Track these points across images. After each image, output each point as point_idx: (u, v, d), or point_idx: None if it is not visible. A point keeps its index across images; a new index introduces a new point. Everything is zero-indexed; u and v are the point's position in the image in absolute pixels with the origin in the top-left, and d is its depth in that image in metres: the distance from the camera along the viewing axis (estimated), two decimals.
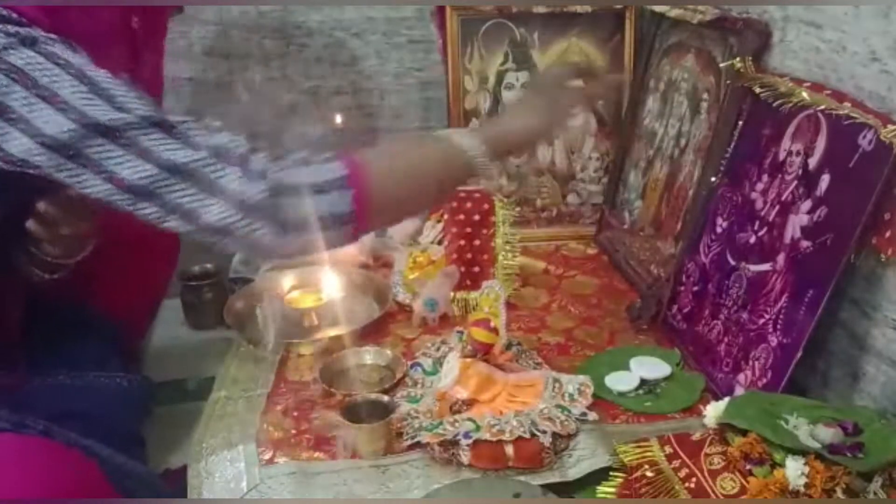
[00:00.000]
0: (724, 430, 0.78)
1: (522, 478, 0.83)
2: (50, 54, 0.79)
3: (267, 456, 0.89)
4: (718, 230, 1.04)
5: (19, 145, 0.77)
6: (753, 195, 0.98)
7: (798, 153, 0.91)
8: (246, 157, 0.81)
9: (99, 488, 0.82)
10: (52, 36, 0.82)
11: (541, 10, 1.39)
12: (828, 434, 0.73)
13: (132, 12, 1.01)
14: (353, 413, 0.89)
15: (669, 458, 0.80)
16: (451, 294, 1.20)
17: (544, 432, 0.85)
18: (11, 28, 0.80)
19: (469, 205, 1.31)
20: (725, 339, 0.98)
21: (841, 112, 0.85)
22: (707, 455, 0.78)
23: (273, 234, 0.81)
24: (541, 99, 1.02)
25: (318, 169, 0.85)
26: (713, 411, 0.81)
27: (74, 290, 1.13)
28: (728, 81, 1.07)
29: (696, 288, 1.06)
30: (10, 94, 0.77)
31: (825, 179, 0.86)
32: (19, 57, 0.78)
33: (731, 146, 1.05)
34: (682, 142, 1.21)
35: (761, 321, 0.91)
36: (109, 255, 1.22)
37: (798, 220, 0.89)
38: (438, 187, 0.93)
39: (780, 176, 0.94)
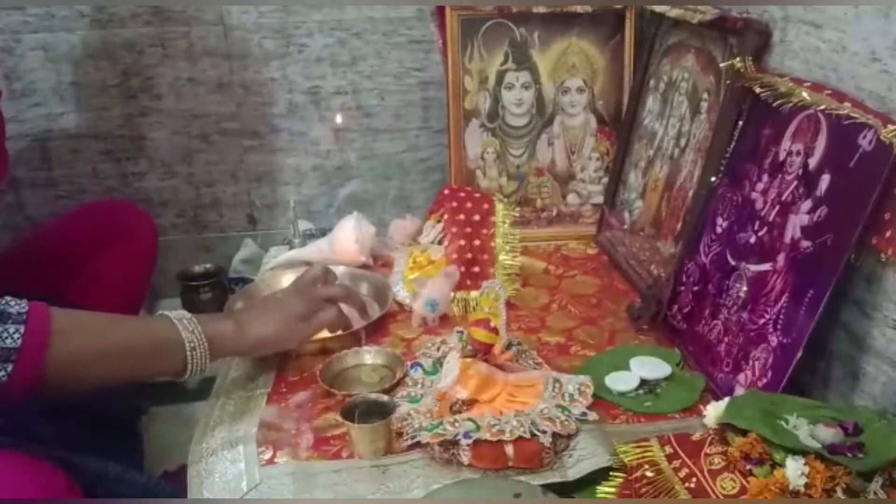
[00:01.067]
0: (725, 430, 0.78)
1: (522, 478, 0.83)
2: None
3: (267, 456, 0.89)
4: (718, 230, 1.04)
5: None
6: (753, 195, 0.98)
7: (798, 153, 0.91)
8: None
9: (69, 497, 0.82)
10: None
11: (541, 10, 1.39)
12: (828, 434, 0.73)
13: None
14: (353, 413, 0.89)
15: (669, 458, 0.80)
16: (451, 294, 1.20)
17: (544, 432, 0.85)
18: None
19: (469, 205, 1.31)
20: (725, 339, 0.98)
21: (841, 112, 0.85)
22: (707, 455, 0.78)
23: None
24: (289, 306, 1.00)
25: None
26: (713, 411, 0.81)
27: (54, 287, 1.13)
28: (728, 81, 1.07)
29: (696, 288, 1.06)
30: None
31: (825, 179, 0.86)
32: None
33: (731, 146, 1.05)
34: (682, 142, 1.21)
35: (761, 321, 0.91)
36: (86, 251, 1.23)
37: (798, 220, 0.89)
38: (133, 361, 0.87)
39: (780, 176, 0.94)
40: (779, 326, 0.88)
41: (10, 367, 0.76)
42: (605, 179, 1.46)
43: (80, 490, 0.82)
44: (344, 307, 1.08)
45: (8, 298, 0.79)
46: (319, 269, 1.09)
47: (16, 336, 0.77)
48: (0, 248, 1.24)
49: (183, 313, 0.91)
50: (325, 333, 1.10)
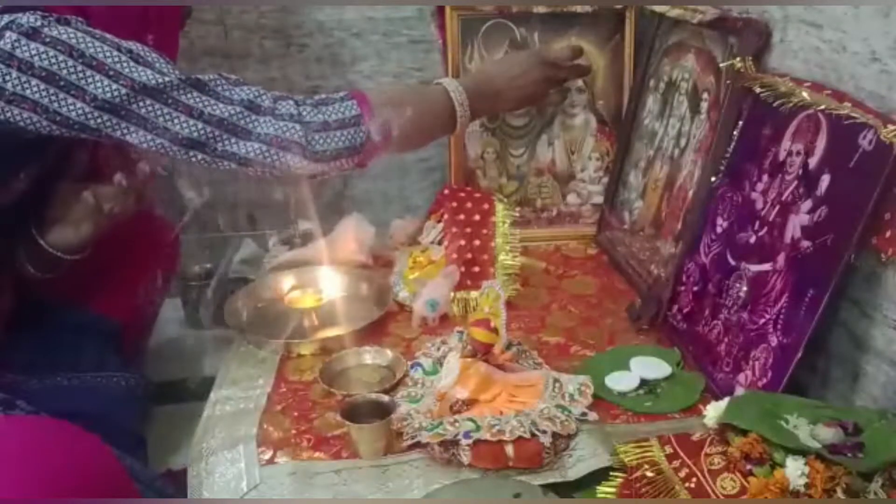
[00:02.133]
0: (725, 430, 0.78)
1: (522, 478, 0.83)
2: (86, 31, 0.89)
3: (267, 456, 0.89)
4: (719, 230, 1.04)
5: (76, 109, 0.88)
6: (754, 195, 0.98)
7: (798, 153, 0.91)
8: (273, 105, 0.98)
9: (117, 476, 0.84)
10: (81, 19, 0.92)
11: (541, 10, 1.39)
12: (828, 434, 0.73)
13: (148, 29, 1.07)
14: (353, 413, 0.89)
15: (669, 458, 0.80)
16: (451, 294, 1.20)
17: (544, 432, 0.85)
18: (42, 13, 0.89)
19: (469, 205, 1.31)
20: (725, 339, 0.98)
21: (841, 112, 0.85)
22: (707, 455, 0.78)
23: (306, 164, 0.99)
24: (532, 65, 1.27)
25: (337, 107, 1.02)
26: (713, 411, 0.81)
27: (74, 290, 1.13)
28: (728, 81, 1.07)
29: (696, 288, 1.06)
30: (60, 64, 0.87)
31: (825, 179, 0.86)
32: (60, 32, 0.87)
33: (732, 146, 1.05)
34: (683, 142, 1.21)
35: (761, 321, 0.91)
36: (109, 255, 1.23)
37: (798, 220, 0.89)
38: (423, 122, 1.14)
39: (780, 176, 0.94)
40: (779, 326, 0.88)
41: (363, 128, 1.02)
42: (605, 179, 1.46)
43: (123, 469, 0.86)
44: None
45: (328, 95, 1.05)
46: (567, 52, 1.34)
47: (354, 107, 1.03)
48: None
49: (454, 85, 1.18)
50: (325, 333, 1.11)
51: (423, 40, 1.57)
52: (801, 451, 0.72)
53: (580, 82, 1.43)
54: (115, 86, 0.88)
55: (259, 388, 1.03)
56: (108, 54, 0.89)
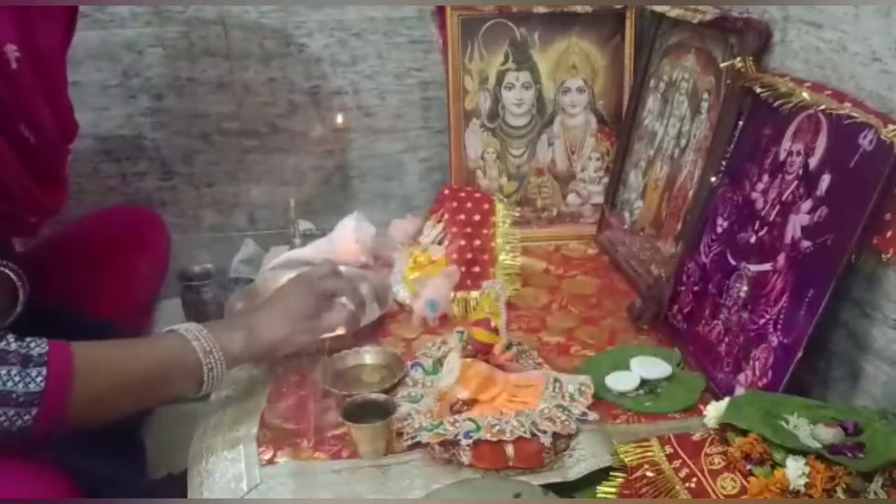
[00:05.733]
0: (725, 430, 0.78)
1: (523, 478, 0.83)
2: None
3: (267, 456, 0.89)
4: (719, 230, 1.04)
5: None
6: (754, 195, 0.98)
7: (798, 153, 0.91)
8: None
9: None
10: None
11: (541, 10, 1.39)
12: (828, 434, 0.73)
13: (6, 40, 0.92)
14: (353, 413, 0.88)
15: (670, 458, 0.80)
16: (452, 294, 1.20)
17: (545, 432, 0.85)
18: None
19: (469, 205, 1.31)
20: (726, 339, 0.98)
21: (841, 112, 0.85)
22: (707, 455, 0.78)
23: None
24: (298, 304, 0.98)
25: (13, 373, 0.76)
26: (714, 411, 0.81)
27: (65, 292, 1.13)
28: (728, 81, 1.07)
29: (696, 288, 1.06)
30: None
31: (826, 179, 0.86)
32: None
33: (732, 146, 1.05)
34: (683, 142, 1.21)
35: (762, 321, 0.91)
36: (101, 256, 1.23)
37: (798, 220, 0.89)
38: (149, 385, 0.88)
39: (780, 176, 0.94)
40: (779, 326, 0.88)
41: (34, 412, 0.76)
42: (606, 179, 1.46)
43: (80, 494, 0.82)
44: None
45: (28, 340, 0.78)
46: (326, 267, 1.06)
47: (38, 380, 0.76)
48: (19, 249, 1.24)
49: (195, 329, 0.90)
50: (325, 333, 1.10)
51: (423, 40, 1.57)
52: (802, 451, 0.72)
53: (580, 82, 1.43)
54: None
55: (259, 388, 1.03)
56: None
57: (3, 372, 0.75)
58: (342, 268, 1.22)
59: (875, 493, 0.70)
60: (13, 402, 0.75)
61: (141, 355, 0.88)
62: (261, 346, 0.94)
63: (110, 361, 0.85)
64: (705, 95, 1.16)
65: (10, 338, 0.77)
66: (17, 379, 0.75)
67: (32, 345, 0.78)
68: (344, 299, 1.02)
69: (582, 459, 0.85)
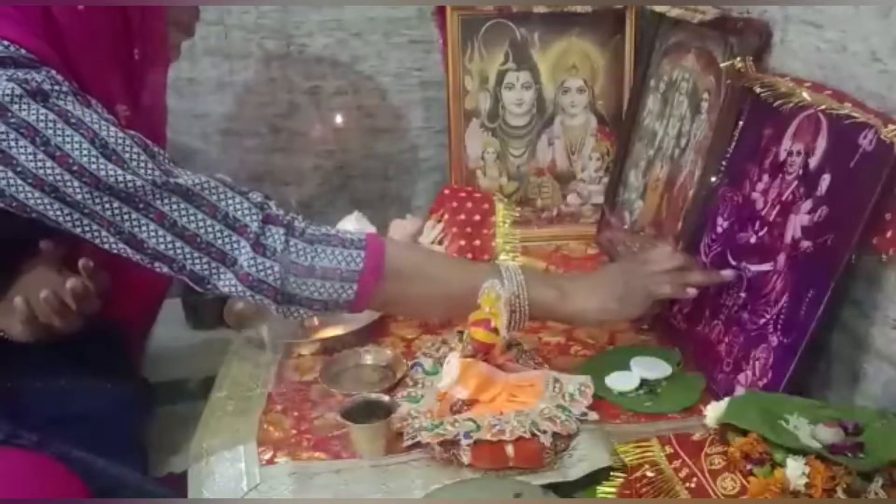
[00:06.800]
0: (725, 430, 0.78)
1: (523, 478, 0.83)
2: (61, 112, 0.80)
3: (267, 456, 0.89)
4: (719, 230, 1.04)
5: (33, 198, 0.80)
6: (754, 195, 0.98)
7: (798, 153, 0.91)
8: (260, 232, 0.85)
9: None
10: (65, 88, 0.82)
11: (541, 10, 1.39)
12: (828, 434, 0.73)
13: (133, 43, 0.99)
14: (353, 413, 0.89)
15: (670, 458, 0.80)
16: None
17: (545, 432, 0.85)
18: (21, 74, 0.80)
19: (469, 205, 1.31)
20: (726, 339, 0.98)
21: (841, 112, 0.85)
22: (707, 455, 0.78)
23: (277, 306, 0.88)
24: (623, 283, 0.98)
25: (337, 253, 0.88)
26: (714, 411, 0.81)
27: None
28: (728, 81, 1.07)
29: None
30: (17, 148, 0.78)
31: (826, 179, 0.86)
32: (30, 112, 0.79)
33: (732, 146, 1.05)
34: (683, 142, 1.21)
35: (762, 321, 0.91)
36: (109, 258, 1.23)
37: (798, 220, 0.89)
38: (450, 302, 0.96)
39: (780, 176, 0.94)
40: (779, 326, 0.88)
41: (355, 287, 0.88)
42: (606, 179, 1.46)
43: (84, 491, 0.82)
44: None
45: (342, 229, 0.91)
46: (675, 260, 1.01)
47: (358, 260, 0.88)
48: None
49: (513, 269, 0.95)
50: (325, 333, 1.10)
51: (423, 40, 1.57)
52: (802, 451, 0.72)
53: (580, 82, 1.43)
54: (77, 183, 0.79)
55: (259, 388, 1.03)
56: (76, 146, 0.79)
57: (329, 251, 0.87)
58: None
59: (875, 493, 0.70)
60: (338, 276, 0.87)
61: (452, 272, 0.97)
62: (567, 310, 0.97)
63: (420, 264, 0.97)
64: (705, 95, 1.16)
65: (327, 226, 0.90)
66: (340, 258, 0.87)
67: (348, 233, 0.90)
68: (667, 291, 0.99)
69: (582, 459, 0.85)
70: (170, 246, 0.83)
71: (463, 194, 1.34)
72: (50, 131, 0.79)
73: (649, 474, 0.79)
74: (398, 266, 0.92)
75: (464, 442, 0.84)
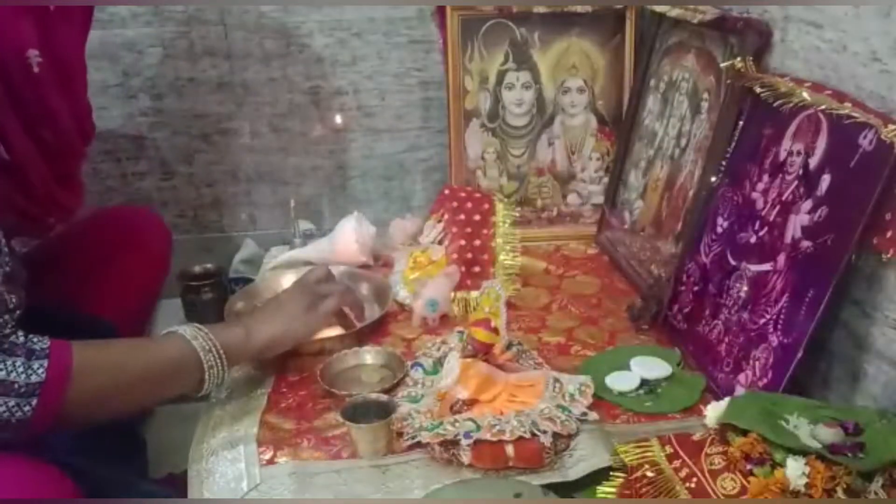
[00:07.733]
0: (725, 430, 0.78)
1: (523, 478, 0.83)
2: None
3: (267, 456, 0.89)
4: (719, 230, 1.04)
5: None
6: (754, 195, 0.98)
7: (799, 153, 0.91)
8: None
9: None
10: None
11: (541, 10, 1.39)
12: (828, 434, 0.73)
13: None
14: (353, 413, 0.89)
15: (670, 458, 0.80)
16: (452, 294, 1.20)
17: (545, 432, 0.85)
18: None
19: (469, 205, 1.31)
20: (726, 339, 0.98)
21: (841, 112, 0.85)
22: (707, 455, 0.78)
23: None
24: (293, 303, 1.03)
25: (15, 364, 0.77)
26: (714, 411, 0.81)
27: (65, 291, 1.13)
28: (728, 81, 1.07)
29: (696, 288, 1.06)
30: None
31: (826, 179, 0.86)
32: None
33: (732, 146, 1.05)
34: (683, 142, 1.21)
35: (762, 321, 0.91)
36: (101, 257, 1.23)
37: (799, 220, 0.89)
38: (151, 384, 0.89)
39: (780, 176, 0.94)
40: (779, 326, 0.88)
41: (34, 402, 0.77)
42: (606, 179, 1.46)
43: (82, 494, 0.82)
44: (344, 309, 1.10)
45: (31, 336, 0.80)
46: (321, 270, 1.11)
47: (39, 371, 0.77)
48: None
49: (195, 329, 0.91)
50: (325, 333, 1.10)
51: (423, 40, 1.57)
52: (802, 451, 0.72)
53: (580, 82, 1.43)
54: None
55: (259, 388, 1.03)
56: None
57: (9, 363, 0.76)
58: (342, 268, 1.23)
59: (875, 493, 0.69)
60: (14, 392, 0.76)
61: (141, 354, 0.90)
62: (258, 343, 0.97)
63: (110, 359, 0.86)
64: (705, 95, 1.16)
65: (20, 332, 0.79)
66: (20, 370, 0.77)
67: (35, 339, 0.80)
68: (335, 301, 1.07)
69: (582, 459, 0.85)
70: None
71: (463, 194, 1.34)
72: None
73: (649, 474, 0.79)
74: (85, 364, 0.82)
75: (464, 442, 0.84)
